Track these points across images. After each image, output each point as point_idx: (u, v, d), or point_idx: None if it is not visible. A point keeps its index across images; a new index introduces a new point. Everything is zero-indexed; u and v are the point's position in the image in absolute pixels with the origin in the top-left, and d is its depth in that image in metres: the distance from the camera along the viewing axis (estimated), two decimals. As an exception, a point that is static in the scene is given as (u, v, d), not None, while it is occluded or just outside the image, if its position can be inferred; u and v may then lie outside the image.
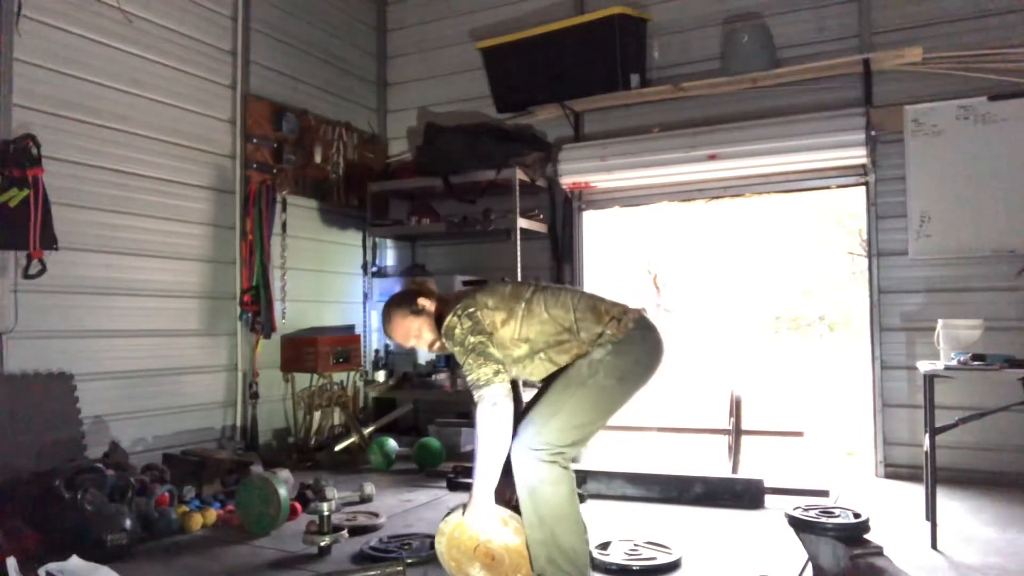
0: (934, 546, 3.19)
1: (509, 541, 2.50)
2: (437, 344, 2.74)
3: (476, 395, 2.47)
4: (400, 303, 2.75)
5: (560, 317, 2.59)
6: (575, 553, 2.45)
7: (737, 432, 4.44)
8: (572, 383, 2.53)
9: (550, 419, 2.49)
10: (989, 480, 4.28)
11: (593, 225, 5.75)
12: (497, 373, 2.46)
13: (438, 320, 2.69)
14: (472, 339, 2.51)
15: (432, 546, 3.13)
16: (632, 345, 2.55)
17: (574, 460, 2.70)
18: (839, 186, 4.98)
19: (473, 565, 2.55)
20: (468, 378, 2.51)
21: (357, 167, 5.98)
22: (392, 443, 4.96)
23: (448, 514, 2.60)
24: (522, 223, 5.34)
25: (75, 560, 2.75)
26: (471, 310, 2.58)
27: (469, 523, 2.50)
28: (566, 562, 2.42)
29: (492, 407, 2.44)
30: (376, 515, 3.67)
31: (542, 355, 2.60)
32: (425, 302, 2.71)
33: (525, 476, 2.47)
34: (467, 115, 5.85)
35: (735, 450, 4.41)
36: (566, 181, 5.44)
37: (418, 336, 2.74)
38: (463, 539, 2.54)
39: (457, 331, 2.55)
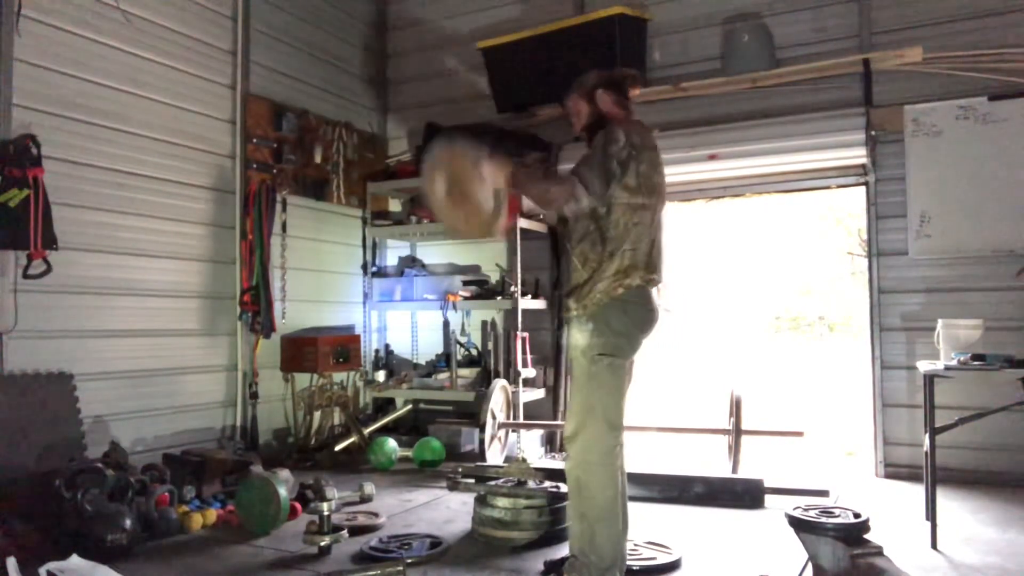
0: (934, 546, 3.19)
1: (485, 205, 2.68)
2: (582, 132, 2.96)
3: (573, 184, 2.64)
4: (586, 83, 2.93)
5: (629, 227, 2.66)
6: (605, 552, 2.57)
7: (737, 432, 4.44)
8: (586, 380, 2.64)
9: (589, 421, 2.60)
10: (989, 480, 4.28)
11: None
12: (593, 194, 2.62)
13: (601, 117, 2.86)
14: (614, 165, 2.64)
15: (432, 546, 3.15)
16: (610, 317, 2.64)
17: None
18: (839, 186, 4.98)
19: (442, 189, 2.70)
20: (581, 169, 2.69)
21: (357, 167, 5.98)
22: (392, 443, 4.96)
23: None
24: (522, 223, 5.35)
25: (75, 560, 2.76)
26: (633, 150, 2.67)
27: (488, 163, 2.66)
28: (597, 558, 2.56)
29: (571, 191, 2.63)
30: (376, 515, 3.68)
31: (593, 226, 2.68)
32: (604, 97, 2.87)
33: (578, 476, 2.61)
34: (467, 115, 5.85)
35: (735, 450, 4.40)
36: (566, 181, 5.43)
37: (576, 116, 2.95)
38: (460, 165, 2.69)
39: (613, 147, 2.66)
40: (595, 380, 2.63)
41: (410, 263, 6.04)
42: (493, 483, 3.48)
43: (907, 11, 4.67)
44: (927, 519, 3.32)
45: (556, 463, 4.96)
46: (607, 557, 2.57)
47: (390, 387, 5.72)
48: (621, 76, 2.96)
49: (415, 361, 6.11)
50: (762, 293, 11.85)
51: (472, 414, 5.33)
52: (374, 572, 2.79)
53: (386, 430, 5.45)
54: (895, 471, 4.60)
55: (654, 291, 2.75)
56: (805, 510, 2.77)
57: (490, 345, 5.51)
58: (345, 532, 3.27)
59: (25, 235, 3.59)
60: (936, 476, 3.32)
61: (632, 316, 2.68)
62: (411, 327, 6.22)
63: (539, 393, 5.51)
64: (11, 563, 2.65)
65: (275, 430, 5.22)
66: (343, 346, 5.39)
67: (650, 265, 2.71)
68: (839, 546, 2.58)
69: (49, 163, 3.74)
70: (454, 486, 3.85)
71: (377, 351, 6.15)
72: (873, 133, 4.62)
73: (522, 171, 2.81)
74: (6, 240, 3.57)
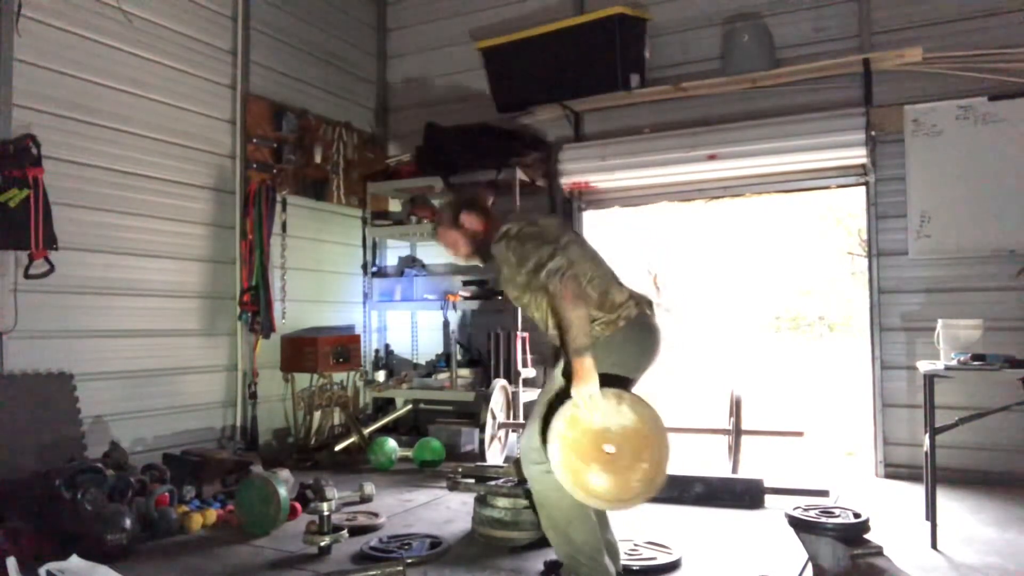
0: (934, 546, 3.19)
1: (626, 422, 2.38)
2: (473, 258, 2.89)
3: (544, 274, 2.49)
4: (448, 212, 2.89)
5: (574, 268, 2.59)
6: (588, 547, 2.56)
7: (737, 432, 4.44)
8: (555, 398, 2.55)
9: (534, 426, 2.56)
10: (989, 480, 4.28)
11: (593, 225, 5.75)
12: (561, 268, 2.48)
13: (484, 237, 2.80)
14: (534, 248, 2.57)
15: (432, 546, 3.15)
16: (612, 347, 2.56)
17: None
18: (839, 186, 4.98)
19: (591, 469, 2.36)
20: (533, 261, 2.54)
21: (357, 167, 5.98)
22: (392, 443, 4.96)
23: (555, 420, 2.42)
24: (522, 223, 5.34)
25: (75, 560, 2.76)
26: (521, 231, 2.63)
27: (582, 401, 2.36)
28: (583, 556, 2.56)
29: (562, 275, 2.46)
30: (376, 515, 3.68)
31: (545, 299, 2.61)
32: (469, 219, 2.82)
33: (534, 487, 2.59)
34: (467, 115, 5.85)
35: (735, 450, 4.40)
36: (566, 181, 5.44)
37: (455, 248, 2.90)
38: (578, 435, 2.37)
39: (506, 237, 2.63)
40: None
41: (410, 263, 6.04)
42: (493, 483, 3.48)
43: (907, 11, 4.67)
44: (927, 519, 3.32)
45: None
46: (590, 550, 2.56)
47: (390, 387, 5.72)
48: (472, 195, 2.96)
49: (415, 361, 6.11)
50: (762, 293, 11.85)
51: (472, 414, 5.33)
52: (374, 572, 2.79)
53: (386, 430, 5.45)
54: (895, 471, 4.59)
55: (655, 317, 2.71)
56: (805, 510, 2.77)
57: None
58: (345, 532, 3.27)
59: (25, 235, 3.60)
60: (936, 476, 3.31)
61: (634, 347, 2.63)
62: (411, 327, 6.23)
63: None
64: (11, 563, 2.65)
65: (275, 430, 5.22)
66: (343, 346, 5.39)
67: (626, 291, 2.68)
68: (839, 546, 2.58)
69: (49, 163, 3.74)
70: (454, 486, 3.85)
71: (377, 351, 6.16)
72: (873, 133, 4.62)
73: (571, 346, 2.43)
74: (6, 240, 3.57)
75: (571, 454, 2.38)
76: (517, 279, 2.64)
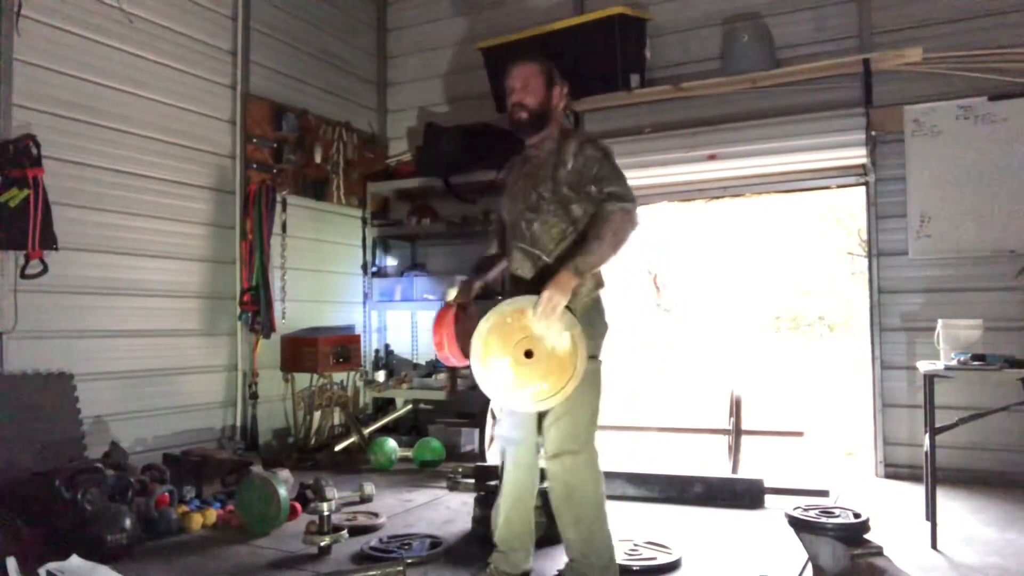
0: (934, 546, 3.19)
1: (559, 347, 2.42)
2: (522, 118, 2.70)
3: (620, 205, 2.54)
4: (550, 67, 2.76)
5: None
6: (604, 549, 2.58)
7: (737, 432, 4.44)
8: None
9: (576, 416, 2.54)
10: (989, 480, 4.28)
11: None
12: (633, 213, 2.57)
13: (550, 117, 2.72)
14: (617, 172, 2.64)
15: (432, 546, 3.16)
16: (594, 318, 2.65)
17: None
18: (839, 186, 4.98)
19: (502, 358, 2.45)
20: (614, 189, 2.57)
21: (357, 167, 5.98)
22: (392, 443, 4.96)
23: (505, 302, 2.50)
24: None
25: (75, 560, 2.76)
26: (614, 159, 2.67)
27: (543, 305, 2.37)
28: (597, 558, 2.56)
29: (633, 219, 2.56)
30: (376, 515, 3.68)
31: (571, 228, 2.64)
32: (560, 95, 2.75)
33: (567, 479, 2.55)
34: (467, 115, 5.85)
35: (735, 450, 4.41)
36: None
37: (529, 92, 2.69)
38: (515, 326, 2.44)
39: (606, 150, 2.65)
40: (587, 383, 2.54)
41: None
42: (493, 483, 3.47)
43: (907, 11, 4.67)
44: (927, 519, 3.32)
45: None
46: (605, 555, 2.57)
47: (390, 387, 5.72)
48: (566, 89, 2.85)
49: (415, 361, 6.11)
50: (762, 293, 11.84)
51: (472, 414, 5.32)
52: (374, 572, 2.79)
53: (386, 430, 5.45)
54: (895, 471, 4.59)
55: None
56: (805, 510, 2.77)
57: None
58: (345, 532, 3.27)
59: (25, 235, 3.59)
60: (936, 476, 3.32)
61: (604, 315, 2.72)
62: (411, 327, 6.23)
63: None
64: (11, 563, 2.65)
65: (275, 430, 5.22)
66: (343, 346, 5.39)
67: None
68: (839, 546, 2.58)
69: (49, 163, 3.74)
70: (454, 486, 3.86)
71: (377, 351, 6.15)
72: (873, 133, 4.62)
73: (580, 262, 2.46)
74: (6, 240, 3.57)
75: (496, 334, 2.45)
76: (567, 188, 2.61)
